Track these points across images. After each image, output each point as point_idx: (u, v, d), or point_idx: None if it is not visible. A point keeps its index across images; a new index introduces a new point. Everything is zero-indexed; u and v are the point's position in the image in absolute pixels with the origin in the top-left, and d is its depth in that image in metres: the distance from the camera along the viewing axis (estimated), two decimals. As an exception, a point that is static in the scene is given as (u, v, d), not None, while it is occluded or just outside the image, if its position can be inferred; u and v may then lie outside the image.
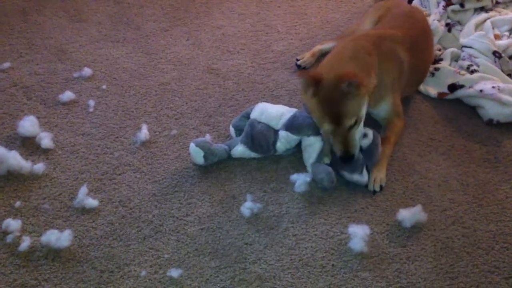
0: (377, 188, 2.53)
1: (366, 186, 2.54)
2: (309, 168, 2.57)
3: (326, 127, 2.43)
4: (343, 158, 2.46)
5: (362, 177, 2.52)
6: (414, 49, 2.81)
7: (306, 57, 3.28)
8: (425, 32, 3.04)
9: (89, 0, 3.83)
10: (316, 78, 2.41)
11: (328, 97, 2.38)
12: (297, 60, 3.28)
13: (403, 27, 2.90)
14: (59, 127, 2.81)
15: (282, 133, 2.59)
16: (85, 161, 2.64)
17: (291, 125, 2.58)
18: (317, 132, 2.57)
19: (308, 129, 2.56)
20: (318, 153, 2.55)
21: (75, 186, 2.50)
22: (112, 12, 3.73)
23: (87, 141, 2.75)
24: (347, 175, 2.54)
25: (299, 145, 2.65)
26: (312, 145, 2.57)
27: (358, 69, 2.44)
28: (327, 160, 2.56)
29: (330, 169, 2.50)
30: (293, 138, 2.60)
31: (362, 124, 2.50)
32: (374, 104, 2.65)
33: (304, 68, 3.25)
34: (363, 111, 2.48)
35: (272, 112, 2.65)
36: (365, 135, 2.55)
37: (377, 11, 3.21)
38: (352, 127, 2.43)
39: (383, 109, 2.73)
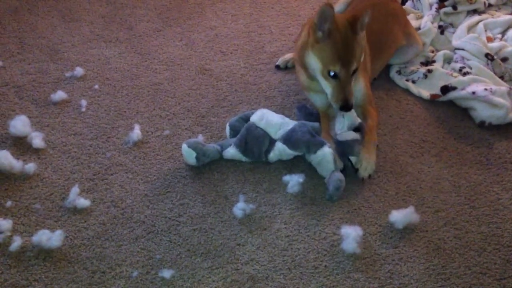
0: (366, 175, 2.54)
1: (356, 170, 2.57)
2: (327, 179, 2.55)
3: (334, 68, 2.50)
4: (342, 107, 2.54)
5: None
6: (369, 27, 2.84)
7: (286, 55, 3.30)
8: (385, 9, 3.08)
9: (81, 0, 3.82)
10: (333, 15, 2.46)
11: (344, 38, 2.48)
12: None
13: (358, 6, 3.01)
14: (50, 127, 2.80)
15: (279, 145, 2.57)
16: (76, 161, 2.62)
17: (289, 139, 2.56)
18: (315, 150, 2.53)
19: (306, 147, 2.54)
20: (334, 162, 2.51)
21: (66, 186, 2.49)
22: (104, 12, 3.72)
23: (79, 141, 2.73)
24: (353, 158, 2.58)
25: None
26: (324, 158, 2.52)
27: None
28: (340, 165, 2.55)
29: (342, 177, 2.48)
30: (288, 153, 2.58)
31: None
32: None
33: (286, 67, 3.27)
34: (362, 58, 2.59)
35: (272, 120, 2.62)
36: (357, 129, 2.63)
37: None
38: (353, 73, 2.52)
39: (359, 90, 2.74)
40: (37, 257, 2.19)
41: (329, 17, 2.44)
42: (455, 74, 3.10)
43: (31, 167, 2.54)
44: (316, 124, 2.65)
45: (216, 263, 2.21)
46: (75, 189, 2.44)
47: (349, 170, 2.58)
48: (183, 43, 3.47)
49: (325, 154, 2.53)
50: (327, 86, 2.58)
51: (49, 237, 2.23)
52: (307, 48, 2.61)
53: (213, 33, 3.57)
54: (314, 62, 2.59)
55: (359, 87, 2.74)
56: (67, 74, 3.14)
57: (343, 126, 2.62)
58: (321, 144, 2.54)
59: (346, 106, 2.55)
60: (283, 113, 2.75)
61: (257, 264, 2.22)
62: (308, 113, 2.79)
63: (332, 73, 2.51)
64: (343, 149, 2.58)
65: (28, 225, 2.32)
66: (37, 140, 2.67)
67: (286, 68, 3.26)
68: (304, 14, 3.78)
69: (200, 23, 3.66)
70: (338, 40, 2.48)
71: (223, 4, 3.86)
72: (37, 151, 2.65)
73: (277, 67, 3.27)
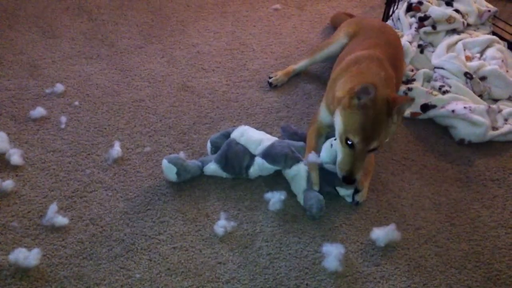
0: (361, 201, 2.54)
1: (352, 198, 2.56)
2: (300, 196, 2.51)
3: (353, 138, 2.34)
4: (345, 179, 2.39)
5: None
6: (392, 64, 2.83)
7: (278, 75, 3.29)
8: (398, 46, 3.10)
9: (62, 16, 3.80)
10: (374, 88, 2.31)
11: (376, 116, 2.32)
12: (269, 78, 3.29)
13: (382, 43, 2.91)
14: (29, 144, 2.76)
15: (258, 160, 2.57)
16: (55, 178, 2.59)
17: (268, 153, 2.56)
18: (290, 164, 2.54)
19: (283, 160, 2.54)
20: (307, 180, 2.51)
21: (44, 204, 2.45)
22: (86, 28, 3.70)
23: (58, 158, 2.70)
24: (341, 190, 2.54)
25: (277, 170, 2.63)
26: (299, 174, 2.53)
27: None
28: (316, 188, 2.50)
29: (321, 196, 2.46)
30: (267, 167, 2.58)
31: None
32: None
33: (276, 86, 3.26)
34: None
35: (252, 136, 2.62)
36: None
37: (349, 25, 3.24)
38: (372, 150, 2.40)
39: None
40: (14, 276, 2.15)
41: (371, 95, 2.30)
42: (434, 92, 3.13)
43: (8, 184, 2.50)
44: (298, 143, 2.64)
45: (197, 282, 2.19)
46: (53, 207, 2.41)
47: (333, 193, 2.57)
48: (164, 60, 3.46)
49: (300, 170, 2.53)
50: (340, 152, 2.43)
51: (26, 256, 2.19)
52: (340, 105, 2.45)
53: (195, 50, 3.57)
54: (338, 122, 2.44)
55: None
56: (47, 91, 3.11)
57: (328, 157, 2.52)
58: (298, 160, 2.55)
59: (349, 179, 2.38)
60: (264, 130, 2.76)
61: (238, 282, 2.19)
62: (292, 132, 2.79)
63: (349, 142, 2.37)
64: (332, 179, 2.53)
65: (4, 243, 2.27)
66: (16, 156, 2.63)
67: (275, 86, 3.26)
68: (285, 32, 3.80)
69: (182, 40, 3.66)
70: (370, 115, 2.31)
71: (205, 22, 3.87)
72: (15, 168, 2.62)
73: (270, 84, 3.27)
